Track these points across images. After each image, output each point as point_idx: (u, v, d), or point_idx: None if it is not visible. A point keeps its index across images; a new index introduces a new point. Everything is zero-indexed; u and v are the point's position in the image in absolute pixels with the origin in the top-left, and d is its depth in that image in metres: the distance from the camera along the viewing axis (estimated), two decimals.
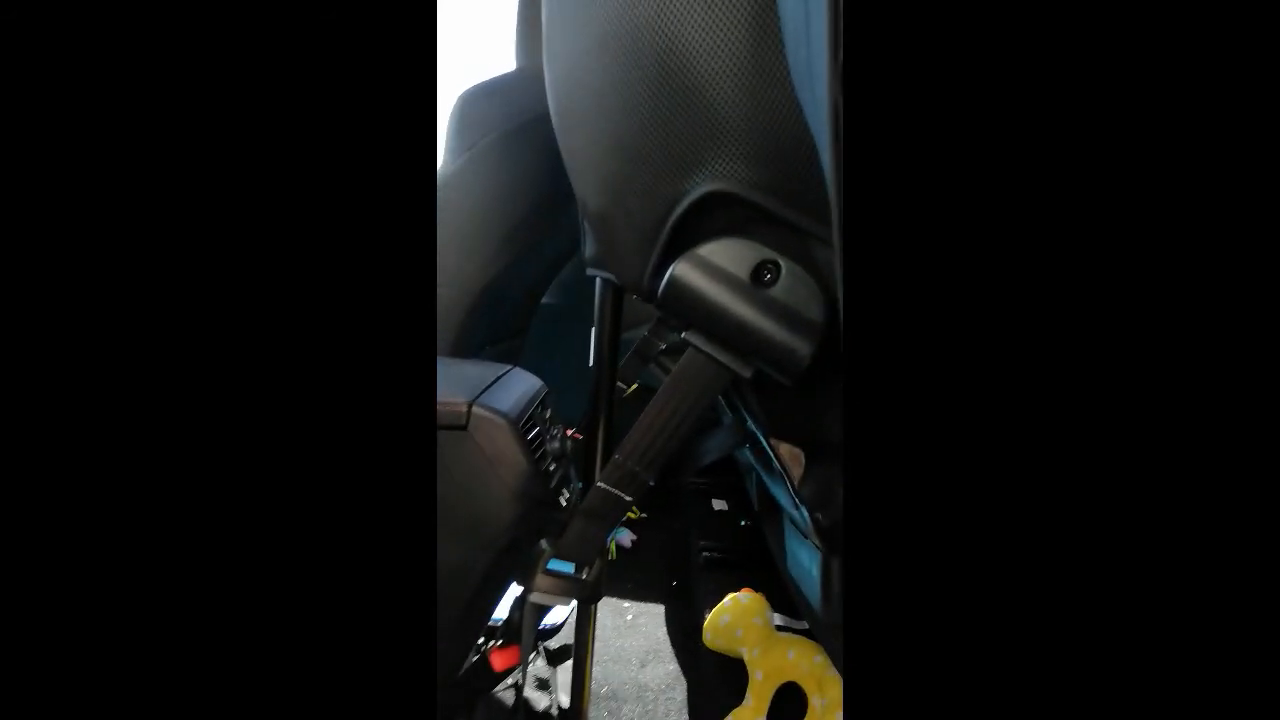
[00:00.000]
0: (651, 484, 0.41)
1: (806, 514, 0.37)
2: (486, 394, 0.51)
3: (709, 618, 0.64)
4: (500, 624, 0.67)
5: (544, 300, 1.01)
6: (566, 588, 0.49)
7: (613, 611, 0.95)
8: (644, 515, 1.00)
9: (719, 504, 0.85)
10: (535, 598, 0.49)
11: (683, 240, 0.35)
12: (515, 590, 0.60)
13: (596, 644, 0.60)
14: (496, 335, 0.93)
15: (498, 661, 0.63)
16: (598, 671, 0.63)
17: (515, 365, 0.61)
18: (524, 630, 0.55)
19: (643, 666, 0.84)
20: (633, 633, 0.90)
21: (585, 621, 0.59)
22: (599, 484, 0.42)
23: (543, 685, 0.76)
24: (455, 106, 0.80)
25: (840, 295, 0.24)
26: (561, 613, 0.80)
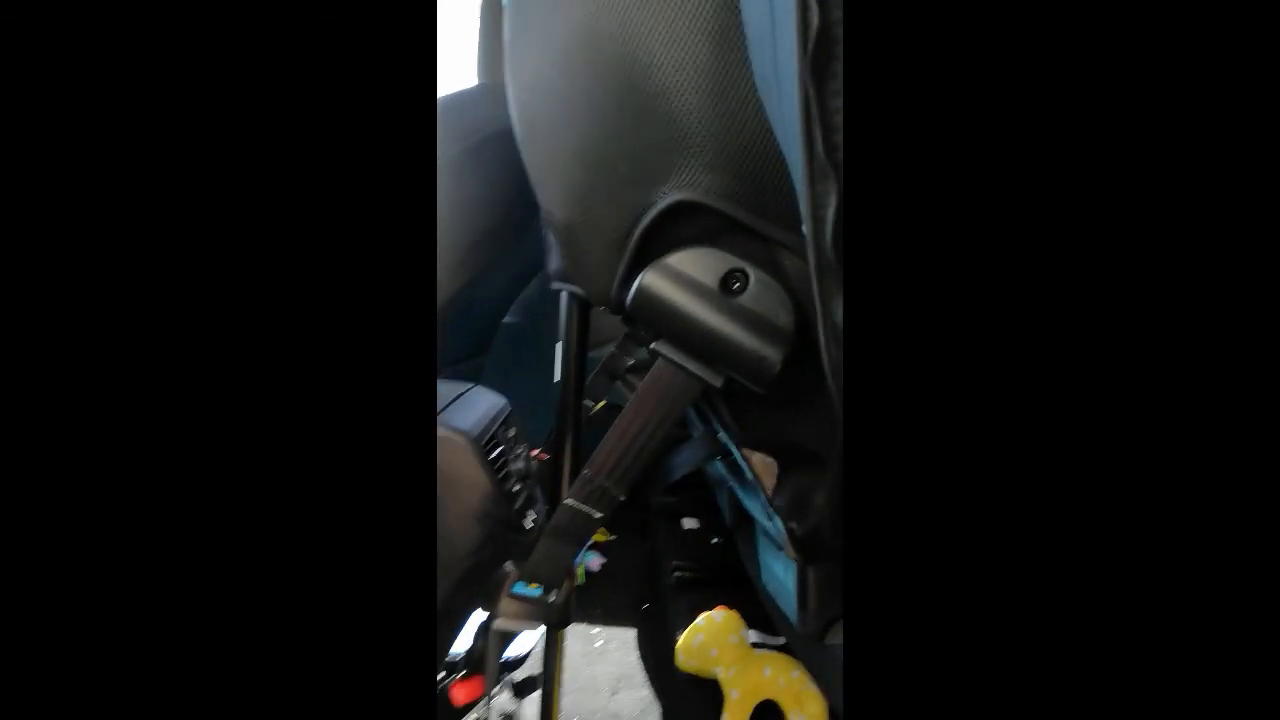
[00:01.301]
0: (622, 499, 0.40)
1: (780, 524, 0.37)
2: (445, 412, 0.49)
3: (682, 639, 0.63)
4: (461, 656, 0.64)
5: (506, 319, 1.00)
6: (533, 612, 0.47)
7: (581, 638, 0.92)
8: (613, 537, 0.98)
9: (690, 523, 0.84)
10: (500, 624, 0.48)
11: (650, 250, 0.35)
12: (478, 618, 0.58)
13: (565, 673, 0.58)
14: (456, 355, 0.90)
15: (460, 695, 0.60)
16: (567, 701, 0.61)
17: (477, 384, 0.59)
18: (488, 659, 0.52)
19: (614, 694, 0.81)
20: (603, 659, 0.88)
21: (553, 649, 0.57)
22: (567, 501, 0.41)
23: (508, 719, 0.73)
24: None
25: (818, 303, 0.24)
26: (527, 643, 0.77)
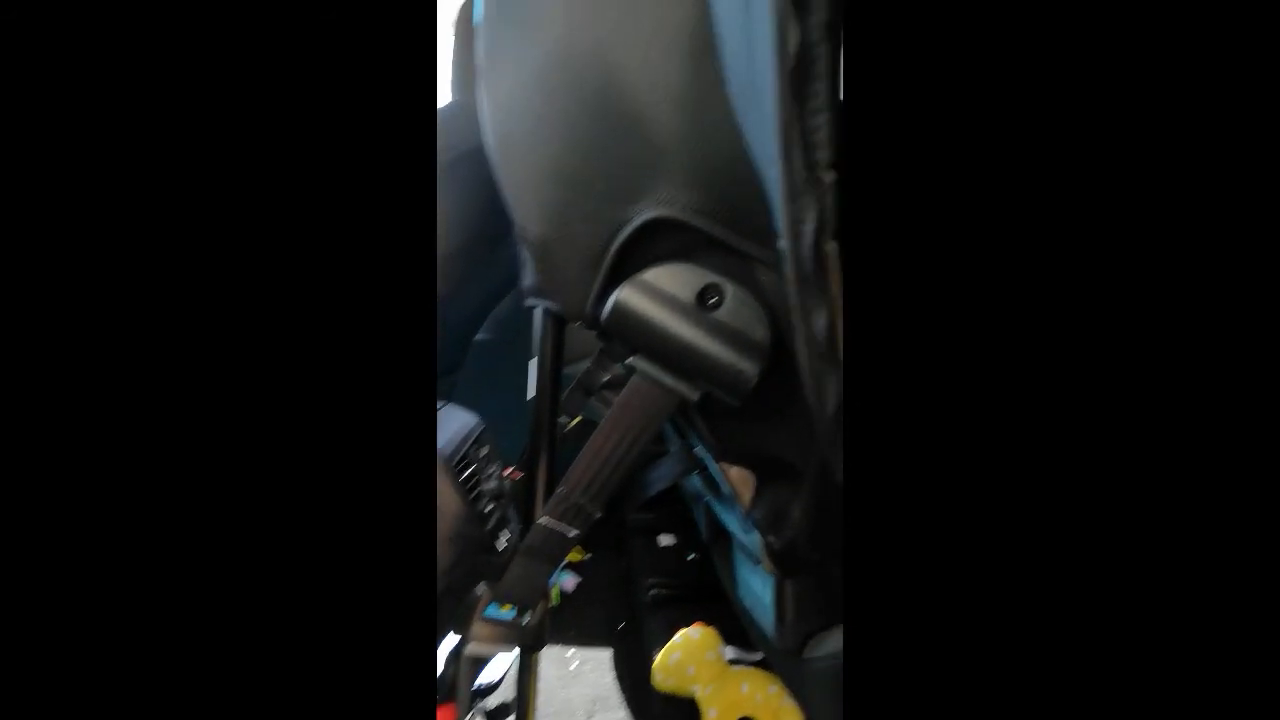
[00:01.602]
0: (598, 516, 0.40)
1: (758, 538, 0.37)
2: None
3: (658, 657, 0.62)
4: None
5: (479, 336, 0.99)
6: (507, 635, 0.46)
7: (555, 661, 0.90)
8: (588, 555, 0.97)
9: (666, 539, 0.84)
10: (472, 649, 0.46)
11: (627, 266, 0.35)
12: (449, 643, 0.56)
13: (539, 697, 0.57)
14: None
15: None
16: None
17: (449, 403, 0.58)
18: (460, 686, 0.51)
19: (590, 717, 0.80)
20: (578, 682, 0.86)
21: (526, 673, 0.55)
22: (541, 519, 0.40)
23: None
24: None
25: (797, 316, 0.24)
26: (499, 669, 0.75)
